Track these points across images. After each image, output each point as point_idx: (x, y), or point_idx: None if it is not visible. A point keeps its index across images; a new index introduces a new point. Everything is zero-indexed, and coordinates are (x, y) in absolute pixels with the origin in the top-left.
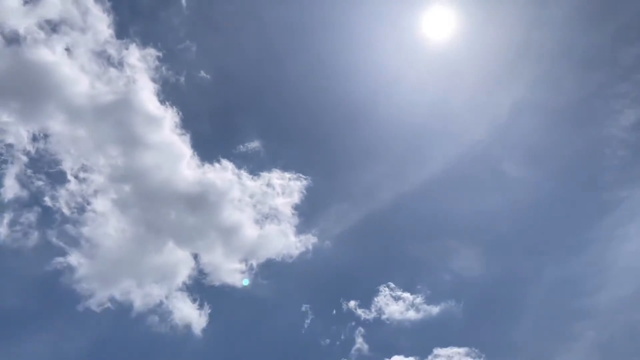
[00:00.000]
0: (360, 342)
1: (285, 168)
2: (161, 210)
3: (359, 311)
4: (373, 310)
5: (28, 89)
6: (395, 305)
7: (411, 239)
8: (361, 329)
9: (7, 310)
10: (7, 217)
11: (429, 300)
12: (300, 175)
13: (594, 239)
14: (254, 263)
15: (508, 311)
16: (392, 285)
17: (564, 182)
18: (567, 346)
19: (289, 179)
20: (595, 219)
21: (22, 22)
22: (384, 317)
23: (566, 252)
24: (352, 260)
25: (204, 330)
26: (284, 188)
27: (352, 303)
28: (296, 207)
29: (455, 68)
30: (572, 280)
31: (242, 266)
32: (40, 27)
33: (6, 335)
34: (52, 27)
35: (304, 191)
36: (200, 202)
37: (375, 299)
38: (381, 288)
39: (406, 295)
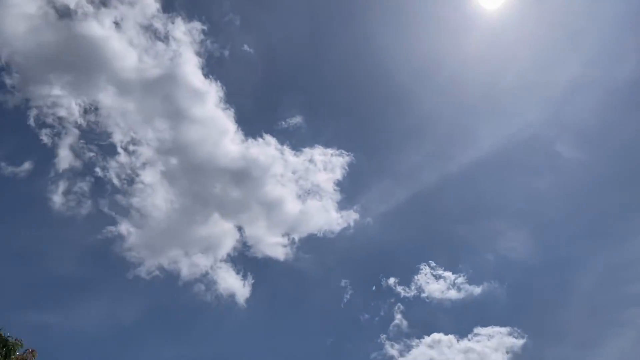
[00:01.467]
0: (399, 319)
1: (327, 144)
2: (207, 183)
3: (399, 288)
4: (413, 288)
5: (79, 62)
6: (436, 284)
7: (455, 219)
8: (400, 306)
9: (63, 276)
10: (62, 185)
11: (471, 280)
12: (343, 151)
13: None
14: (296, 237)
15: (554, 294)
16: (433, 264)
17: (619, 165)
18: (616, 332)
19: (331, 155)
20: None
21: None
22: (423, 295)
23: (618, 238)
24: (393, 237)
25: (248, 301)
26: (326, 164)
27: (391, 280)
28: (338, 184)
29: (508, 42)
30: (624, 266)
31: (284, 240)
32: (90, 1)
33: (62, 300)
34: (102, 0)
35: (346, 167)
36: (243, 176)
37: (416, 277)
38: (422, 266)
39: (447, 274)
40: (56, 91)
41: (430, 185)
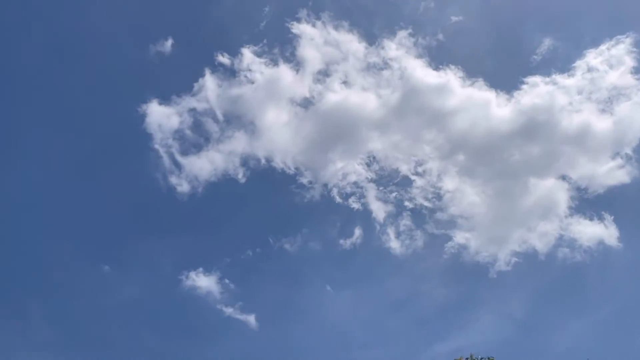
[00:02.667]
0: None
1: (595, 43)
2: (502, 157)
3: None
4: None
5: (335, 131)
6: None
7: None
8: None
9: (443, 304)
10: (391, 232)
11: None
12: (619, 37)
13: None
14: (628, 151)
15: None
16: None
17: None
18: None
19: (607, 49)
20: None
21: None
22: None
23: None
24: None
25: (620, 239)
26: (609, 61)
27: None
28: (637, 70)
29: None
30: None
31: (618, 161)
32: (316, 80)
33: (456, 324)
34: (325, 73)
35: (634, 49)
36: (533, 128)
37: None
38: None
39: None
40: (338, 164)
41: None
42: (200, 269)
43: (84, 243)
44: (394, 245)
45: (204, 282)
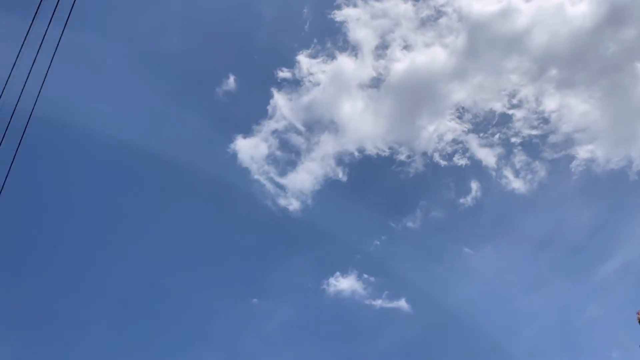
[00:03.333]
0: None
1: None
2: (599, 53)
3: None
4: None
5: (416, 95)
6: None
7: None
8: None
9: (586, 221)
10: (509, 173)
11: None
12: None
13: None
14: None
15: None
16: None
17: None
18: None
19: None
20: None
21: None
22: None
23: None
24: None
25: None
26: None
27: None
28: None
29: None
30: None
31: None
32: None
33: (612, 233)
34: (407, 45)
35: None
36: (619, 14)
37: None
38: None
39: None
40: (430, 128)
41: None
42: (337, 273)
43: (229, 285)
44: (517, 185)
45: (345, 284)
